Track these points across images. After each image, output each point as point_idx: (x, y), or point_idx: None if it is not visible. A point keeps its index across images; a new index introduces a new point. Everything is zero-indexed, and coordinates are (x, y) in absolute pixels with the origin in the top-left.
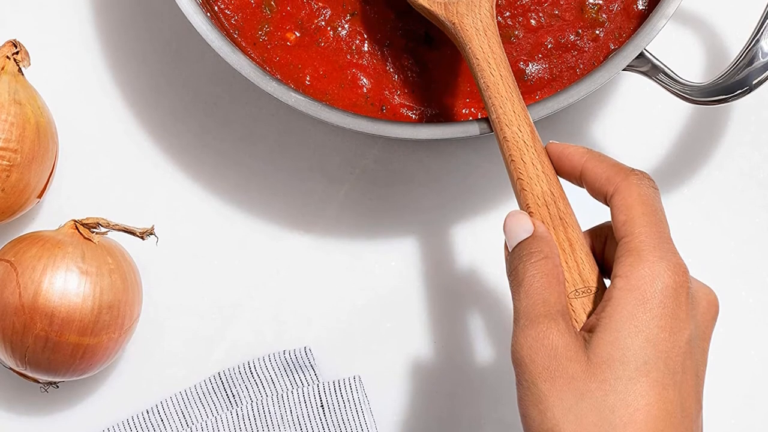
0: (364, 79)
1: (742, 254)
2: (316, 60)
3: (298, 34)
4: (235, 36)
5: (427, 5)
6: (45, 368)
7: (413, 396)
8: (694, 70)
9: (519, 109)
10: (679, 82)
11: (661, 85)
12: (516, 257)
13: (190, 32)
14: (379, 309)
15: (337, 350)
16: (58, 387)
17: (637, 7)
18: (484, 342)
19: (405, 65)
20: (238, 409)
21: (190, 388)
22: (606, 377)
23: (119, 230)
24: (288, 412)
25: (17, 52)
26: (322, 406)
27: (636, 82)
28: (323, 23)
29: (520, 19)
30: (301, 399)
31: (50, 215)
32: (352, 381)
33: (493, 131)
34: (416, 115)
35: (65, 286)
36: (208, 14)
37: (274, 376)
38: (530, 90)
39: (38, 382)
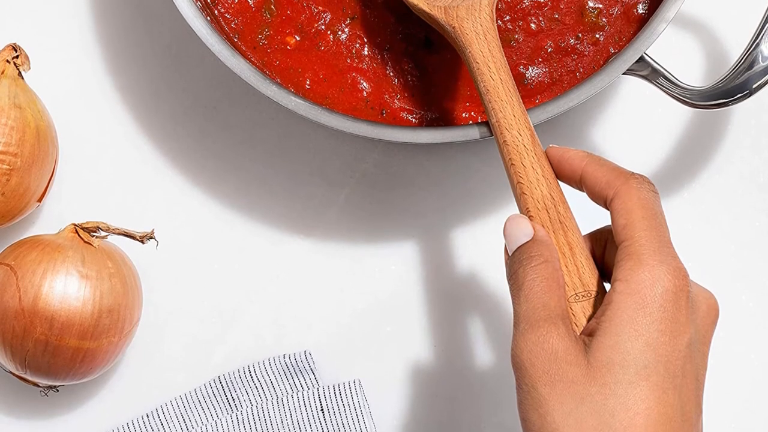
0: (364, 83)
1: (742, 258)
2: (316, 64)
3: (298, 38)
4: (235, 40)
5: (427, 9)
6: (45, 372)
7: (413, 400)
8: (694, 74)
9: (519, 112)
10: (679, 86)
11: (661, 89)
12: (516, 261)
13: (190, 36)
14: (379, 313)
15: (337, 354)
16: (58, 391)
17: (637, 11)
18: (484, 346)
19: (405, 69)
20: (238, 413)
21: (190, 392)
22: (606, 381)
23: (119, 234)
24: (288, 416)
25: (17, 56)
26: (322, 410)
27: (636, 86)
28: (323, 27)
29: (520, 22)
30: (301, 403)
31: (50, 219)
32: (352, 385)
33: (493, 135)
34: (416, 119)
35: (65, 290)
36: (208, 18)
37: (274, 380)
38: (530, 94)
39: (38, 386)
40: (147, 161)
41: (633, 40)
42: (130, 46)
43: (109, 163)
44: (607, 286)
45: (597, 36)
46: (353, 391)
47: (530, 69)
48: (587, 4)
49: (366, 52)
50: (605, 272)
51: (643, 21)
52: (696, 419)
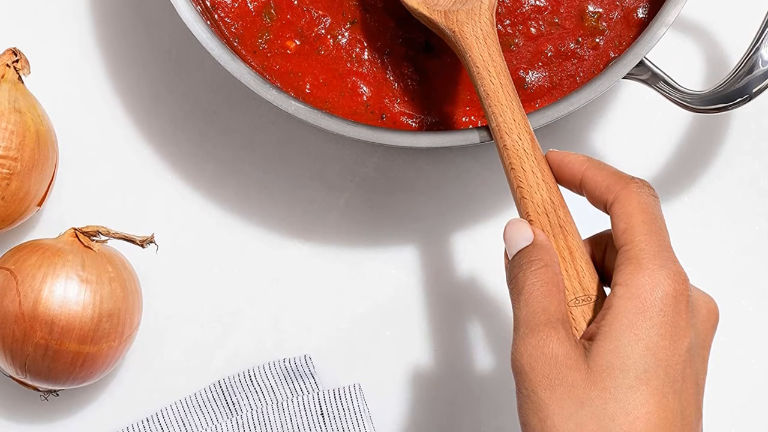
0: (364, 87)
1: (742, 263)
2: (316, 68)
3: (298, 43)
4: (235, 44)
5: (427, 13)
6: (45, 376)
7: (413, 404)
8: (694, 79)
9: (519, 117)
10: (679, 91)
11: (661, 93)
12: (516, 265)
13: (190, 40)
14: (379, 317)
15: (337, 358)
16: (58, 395)
17: (637, 15)
18: (484, 350)
19: (405, 73)
20: (238, 417)
21: (190, 397)
22: (606, 385)
23: (119, 238)
24: (288, 421)
25: (17, 61)
26: (322, 414)
27: (636, 90)
28: (323, 31)
29: (520, 27)
30: (301, 407)
31: (50, 223)
32: (352, 389)
33: (493, 139)
34: (416, 123)
35: (65, 294)
36: (208, 22)
37: (274, 385)
38: (530, 98)
39: (38, 390)
40: (147, 165)
41: (633, 44)
42: (130, 50)
43: (109, 167)
44: (607, 290)
45: (597, 40)
46: (353, 395)
47: (530, 73)
48: (587, 8)
49: (366, 57)
50: (605, 276)
51: (643, 25)
52: (696, 423)
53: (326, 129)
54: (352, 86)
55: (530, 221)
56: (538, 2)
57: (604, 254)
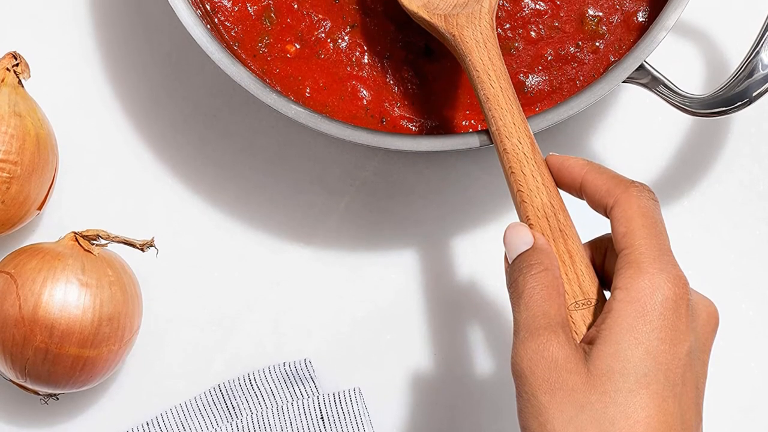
0: (364, 91)
1: (742, 266)
2: (316, 72)
3: (298, 46)
4: (235, 48)
5: (427, 17)
6: (45, 380)
7: (413, 408)
8: (694, 82)
9: (519, 121)
10: (679, 94)
11: (661, 97)
12: (516, 269)
13: (190, 44)
14: (379, 321)
15: (337, 362)
16: (58, 399)
17: (637, 19)
18: (484, 354)
19: (405, 77)
20: (238, 421)
21: (190, 400)
22: (606, 389)
23: (119, 242)
24: (288, 425)
25: (17, 64)
26: (322, 418)
27: (636, 94)
28: (323, 35)
29: (520, 31)
30: (301, 411)
31: (50, 227)
32: (352, 393)
33: (493, 143)
34: (416, 127)
35: (65, 298)
36: (208, 26)
37: (274, 388)
38: (530, 102)
39: (38, 394)
40: (147, 169)
41: (633, 48)
42: (130, 54)
43: (109, 171)
44: (607, 294)
45: (597, 44)
46: (353, 399)
47: (530, 77)
48: (587, 12)
49: (366, 61)
50: (605, 280)
51: (643, 29)
52: (696, 427)
53: (326, 133)
54: (352, 90)
55: (530, 225)
56: (538, 6)
57: (604, 258)
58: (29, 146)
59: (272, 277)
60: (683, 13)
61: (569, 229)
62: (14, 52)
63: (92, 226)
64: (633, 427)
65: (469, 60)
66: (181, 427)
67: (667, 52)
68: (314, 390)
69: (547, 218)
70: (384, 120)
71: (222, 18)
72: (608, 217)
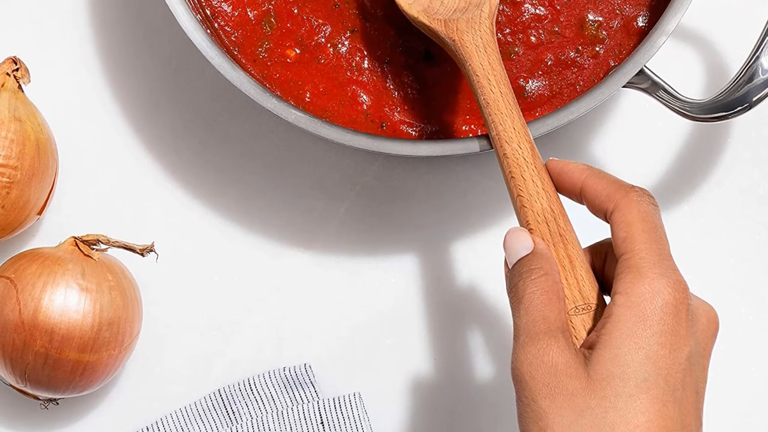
0: (364, 96)
1: (742, 271)
2: (316, 77)
3: (298, 51)
4: (235, 53)
5: (427, 22)
6: (45, 385)
7: (413, 413)
8: (694, 87)
9: (519, 125)
10: (679, 99)
11: (661, 102)
12: (516, 274)
13: (190, 49)
14: (379, 326)
15: (337, 367)
16: (58, 404)
17: (637, 24)
18: (485, 359)
19: (405, 82)
20: (238, 426)
21: (190, 405)
22: (606, 394)
23: (119, 247)
24: (288, 429)
25: (17, 69)
26: (322, 423)
27: (636, 98)
28: (323, 40)
29: (520, 35)
30: (301, 416)
31: (50, 232)
32: (352, 398)
33: (492, 148)
34: (416, 132)
35: (65, 302)
36: (208, 31)
37: (274, 393)
38: (530, 107)
39: (38, 399)
40: (147, 174)
41: (633, 53)
42: (130, 59)
43: (109, 175)
44: (607, 299)
45: (597, 49)
46: (353, 404)
47: (530, 82)
48: (587, 17)
49: (366, 65)
50: (605, 285)
51: (643, 34)
52: None
53: (326, 138)
54: (352, 95)
55: (530, 230)
56: (538, 11)
57: (604, 263)
58: (29, 151)
59: (272, 281)
60: (683, 18)
61: (569, 233)
62: (14, 56)
63: (92, 230)
64: (633, 431)
65: (469, 65)
66: None
67: (667, 56)
68: (314, 395)
69: (547, 223)
70: (384, 125)
71: (222, 23)
72: (608, 222)
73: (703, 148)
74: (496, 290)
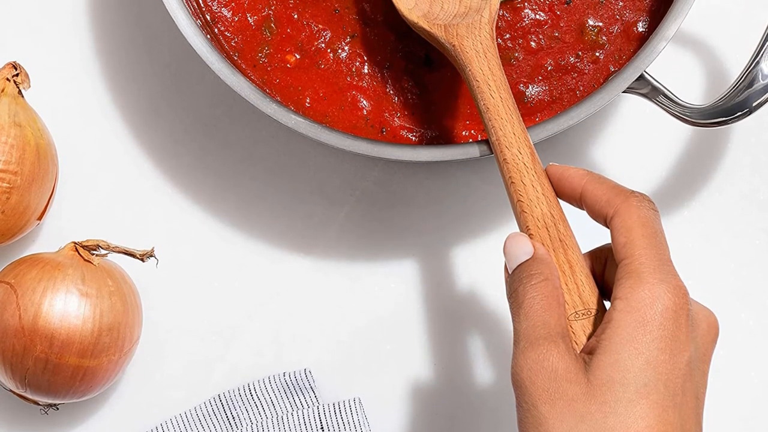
0: (364, 101)
1: (742, 277)
2: (316, 82)
3: (298, 56)
4: (235, 58)
5: (427, 27)
6: (45, 390)
7: (413, 418)
8: (694, 92)
9: (519, 131)
10: (679, 104)
11: (661, 107)
12: (516, 279)
13: (190, 54)
14: (379, 331)
15: (337, 372)
16: (58, 409)
17: (637, 29)
18: (485, 364)
19: (405, 87)
20: (238, 431)
21: (190, 410)
22: (606, 399)
23: (119, 252)
24: None
25: (17, 74)
26: (322, 428)
27: (636, 104)
28: (323, 45)
29: (520, 41)
30: (301, 421)
31: (50, 237)
32: (352, 403)
33: (493, 153)
34: (416, 137)
35: (65, 308)
36: (208, 36)
37: (274, 398)
38: (530, 112)
39: (38, 404)
40: (147, 179)
41: (633, 58)
42: (130, 64)
43: (109, 181)
44: (607, 304)
45: (597, 54)
46: (353, 409)
47: (530, 87)
48: (587, 22)
49: (366, 70)
50: (605, 290)
51: (643, 39)
52: None
53: (326, 143)
54: (352, 100)
55: (530, 235)
56: (538, 16)
57: (604, 268)
58: (29, 156)
59: (272, 287)
60: (683, 23)
61: (569, 239)
62: (14, 62)
63: (92, 236)
64: None
65: (469, 70)
66: None
67: (667, 62)
68: (314, 400)
69: (547, 228)
70: (384, 130)
71: (222, 28)
72: (608, 227)
73: (703, 153)
74: (496, 295)
